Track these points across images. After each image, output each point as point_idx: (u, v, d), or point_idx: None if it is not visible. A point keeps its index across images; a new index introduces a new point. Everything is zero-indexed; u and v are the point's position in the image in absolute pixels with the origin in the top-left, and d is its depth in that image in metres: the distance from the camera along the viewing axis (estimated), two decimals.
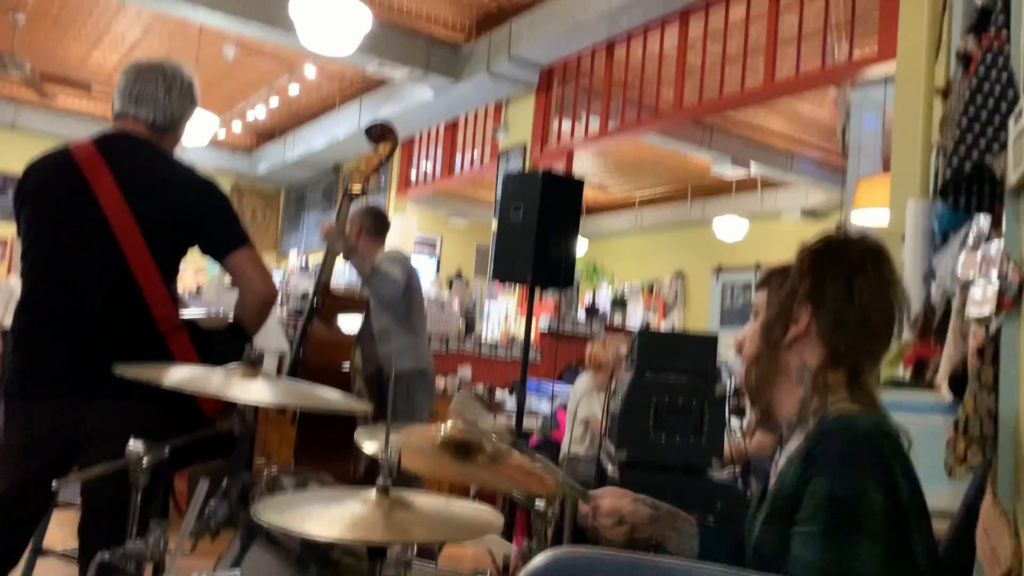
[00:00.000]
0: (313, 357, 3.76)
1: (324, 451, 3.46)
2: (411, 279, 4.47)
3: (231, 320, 2.51)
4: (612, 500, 1.70)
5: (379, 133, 3.99)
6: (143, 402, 2.12)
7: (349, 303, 4.09)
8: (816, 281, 1.53)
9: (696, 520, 1.70)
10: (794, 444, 1.52)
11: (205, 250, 2.47)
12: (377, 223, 4.59)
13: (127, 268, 2.29)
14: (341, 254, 4.05)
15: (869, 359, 1.54)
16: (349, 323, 3.92)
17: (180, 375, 1.88)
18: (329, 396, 1.97)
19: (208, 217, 2.44)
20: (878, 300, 1.52)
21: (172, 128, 2.54)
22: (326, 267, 3.94)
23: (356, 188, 3.89)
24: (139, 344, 2.28)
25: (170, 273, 2.41)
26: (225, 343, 2.36)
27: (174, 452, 2.18)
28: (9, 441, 2.31)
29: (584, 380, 5.50)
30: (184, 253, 2.46)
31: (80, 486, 2.28)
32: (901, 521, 1.34)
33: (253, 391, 1.77)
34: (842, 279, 1.52)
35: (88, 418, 2.24)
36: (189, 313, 2.50)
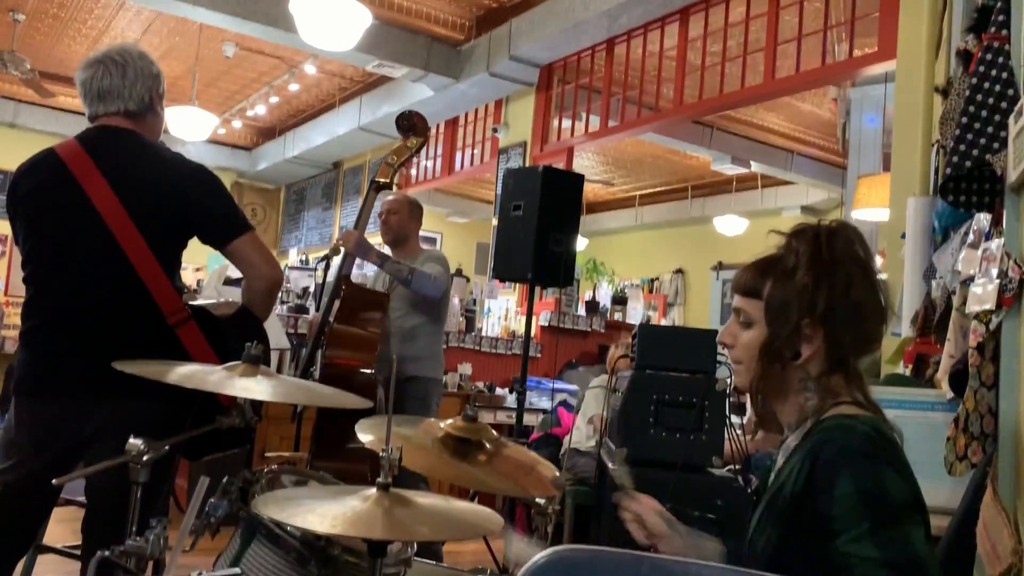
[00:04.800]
0: (334, 355, 3.62)
1: (341, 450, 3.35)
2: (449, 282, 4.35)
3: (240, 306, 2.48)
4: (641, 508, 1.67)
5: (409, 124, 3.87)
6: (153, 399, 2.10)
7: (371, 297, 3.95)
8: (825, 299, 1.49)
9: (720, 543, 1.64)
10: (792, 441, 1.53)
11: (204, 239, 2.43)
12: (416, 206, 4.48)
13: (127, 265, 2.28)
14: (374, 263, 3.93)
15: (864, 353, 1.55)
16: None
17: (182, 372, 1.87)
18: (334, 394, 1.97)
19: (203, 205, 2.41)
20: (869, 296, 1.52)
21: (148, 109, 2.48)
22: (349, 258, 3.80)
23: (384, 179, 3.78)
24: (148, 340, 2.28)
25: (172, 266, 2.38)
26: (236, 330, 2.35)
27: (188, 444, 2.19)
28: (18, 438, 2.32)
29: (602, 379, 5.46)
30: (184, 244, 2.43)
31: (84, 483, 2.28)
32: (921, 505, 1.37)
33: (257, 388, 1.77)
34: (841, 288, 1.49)
35: (96, 416, 2.24)
36: (200, 300, 2.48)
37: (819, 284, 1.50)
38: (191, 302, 2.42)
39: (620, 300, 9.19)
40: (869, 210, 6.05)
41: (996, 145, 1.90)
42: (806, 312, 1.50)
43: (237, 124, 11.18)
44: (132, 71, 2.45)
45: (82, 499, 2.46)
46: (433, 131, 10.04)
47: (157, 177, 2.37)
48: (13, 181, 2.43)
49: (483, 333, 7.71)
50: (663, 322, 11.76)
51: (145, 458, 1.76)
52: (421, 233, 4.52)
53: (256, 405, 2.19)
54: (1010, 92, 1.91)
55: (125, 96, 2.43)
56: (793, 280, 1.52)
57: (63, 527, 2.40)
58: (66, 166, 2.33)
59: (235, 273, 5.79)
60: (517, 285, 7.60)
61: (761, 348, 1.55)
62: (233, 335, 2.28)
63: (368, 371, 3.63)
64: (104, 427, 2.21)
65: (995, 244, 1.91)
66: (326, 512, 1.32)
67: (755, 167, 9.74)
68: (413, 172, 10.42)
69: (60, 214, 2.34)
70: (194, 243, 2.46)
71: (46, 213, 2.37)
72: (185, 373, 1.84)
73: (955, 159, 1.98)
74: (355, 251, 3.83)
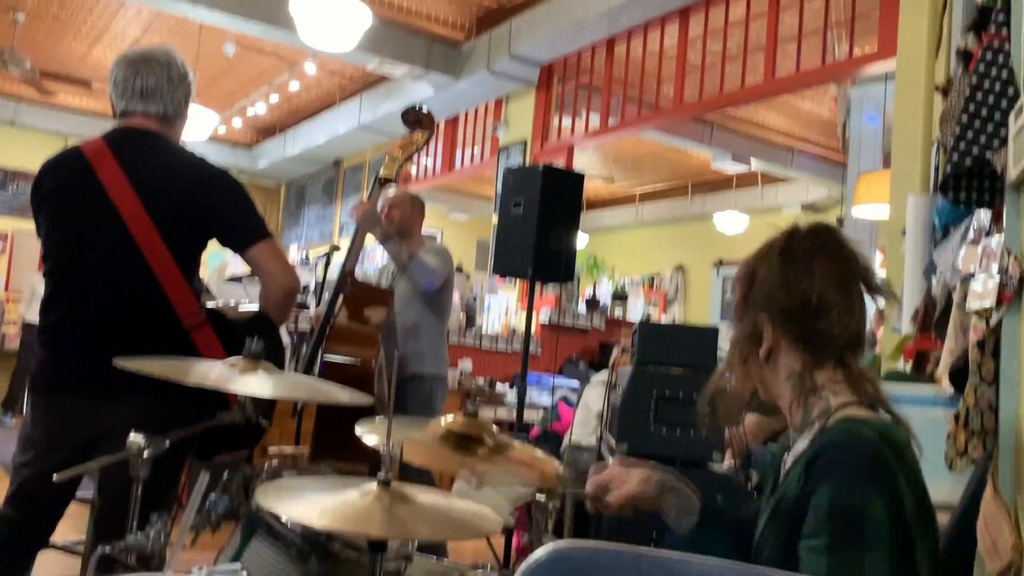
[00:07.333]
0: (335, 351, 3.60)
1: (341, 447, 3.33)
2: (449, 277, 4.30)
3: (256, 311, 2.49)
4: (619, 493, 1.65)
5: (415, 118, 3.83)
6: (165, 399, 2.11)
7: (374, 294, 3.91)
8: (780, 295, 1.50)
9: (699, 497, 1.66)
10: (801, 445, 1.49)
11: (224, 243, 2.45)
12: (419, 202, 4.47)
13: (145, 266, 2.29)
14: (377, 239, 3.90)
15: (849, 345, 1.51)
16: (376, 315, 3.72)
17: (183, 370, 1.88)
18: (334, 391, 1.98)
19: (223, 211, 2.42)
20: (831, 290, 1.49)
21: (180, 115, 2.51)
22: (353, 252, 3.76)
23: (388, 174, 3.76)
24: (162, 341, 2.28)
25: (191, 268, 2.39)
26: (252, 334, 2.35)
27: (198, 444, 2.19)
28: (33, 435, 2.34)
29: (604, 375, 5.43)
30: (203, 247, 2.44)
31: (96, 481, 2.29)
32: (905, 536, 1.32)
33: (258, 384, 1.78)
34: (795, 282, 1.49)
35: (108, 415, 2.24)
36: (215, 302, 2.49)
37: (775, 280, 1.51)
38: (208, 304, 2.43)
39: (620, 297, 9.21)
40: (869, 207, 6.06)
41: (996, 143, 1.91)
42: (760, 308, 1.52)
43: (237, 122, 11.17)
44: (176, 73, 2.47)
45: (84, 496, 2.46)
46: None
47: (179, 180, 2.38)
48: (38, 177, 2.45)
49: (483, 330, 7.72)
50: (663, 319, 11.78)
51: (145, 454, 1.76)
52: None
53: (267, 407, 2.19)
54: (1010, 91, 1.91)
55: (168, 99, 2.45)
56: (754, 279, 1.55)
57: (63, 523, 2.40)
58: (90, 165, 2.34)
59: (235, 271, 5.79)
60: (517, 281, 7.61)
61: (731, 347, 1.58)
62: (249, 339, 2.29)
63: (368, 366, 3.60)
64: (115, 426, 2.21)
65: (995, 241, 1.92)
66: (325, 506, 1.32)
67: (755, 165, 9.74)
68: (414, 170, 10.42)
69: (81, 212, 2.35)
70: None
71: (67, 211, 2.38)
72: (185, 371, 1.85)
73: (955, 157, 1.98)
74: (363, 223, 3.80)
